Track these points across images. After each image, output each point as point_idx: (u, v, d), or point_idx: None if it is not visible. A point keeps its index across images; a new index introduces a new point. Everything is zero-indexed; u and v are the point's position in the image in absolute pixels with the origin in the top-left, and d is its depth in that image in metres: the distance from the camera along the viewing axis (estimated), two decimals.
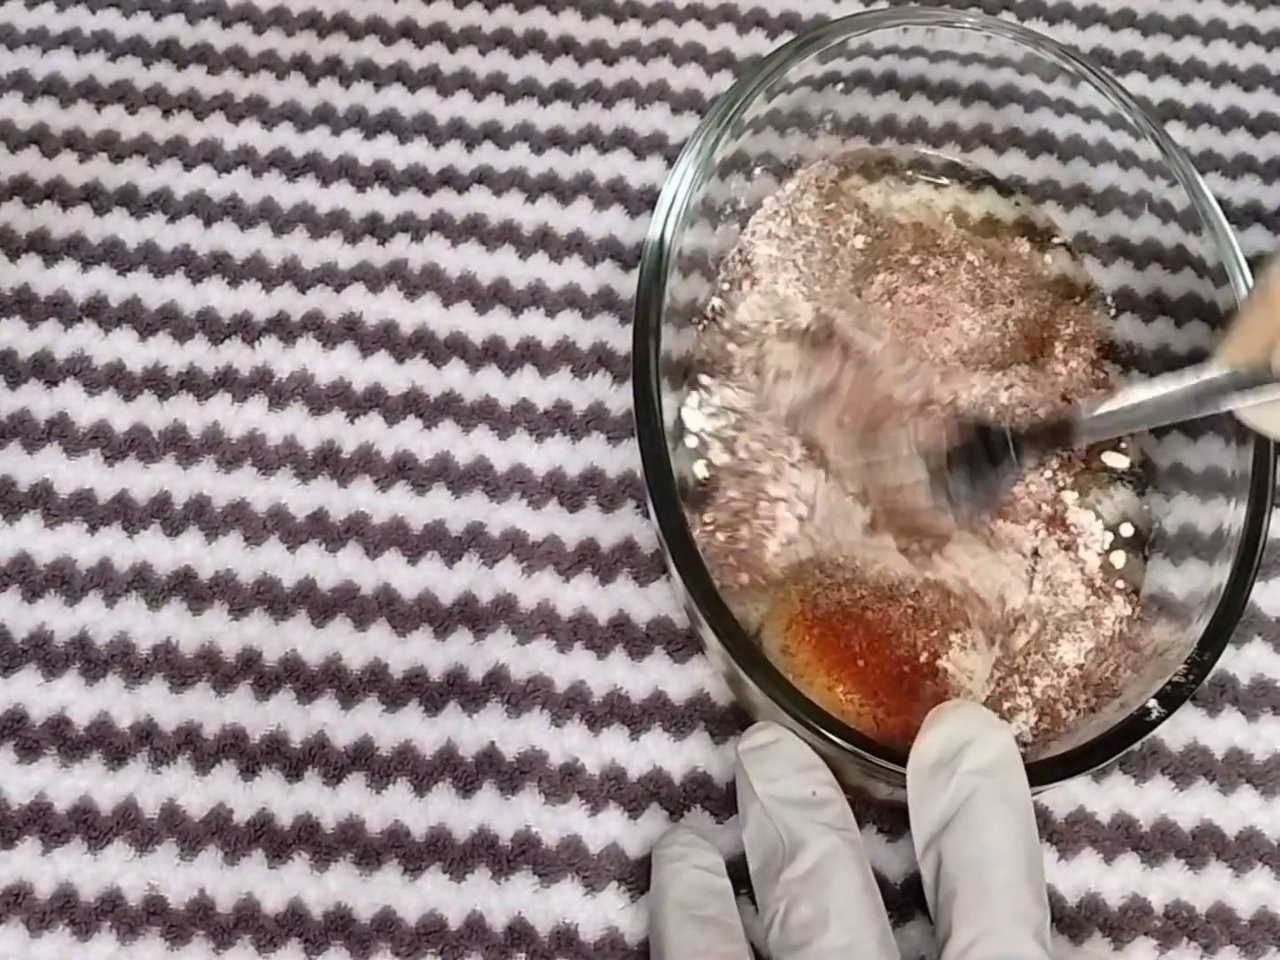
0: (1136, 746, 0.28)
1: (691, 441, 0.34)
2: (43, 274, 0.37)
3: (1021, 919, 0.25)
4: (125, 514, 0.34)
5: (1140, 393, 0.30)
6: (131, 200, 0.38)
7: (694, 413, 0.34)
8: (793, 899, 0.26)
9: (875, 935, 0.26)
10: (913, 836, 0.27)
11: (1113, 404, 0.30)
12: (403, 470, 0.35)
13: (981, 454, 0.31)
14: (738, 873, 0.29)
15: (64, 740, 0.32)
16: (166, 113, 0.39)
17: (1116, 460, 0.34)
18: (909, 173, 0.38)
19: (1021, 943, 0.25)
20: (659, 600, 0.34)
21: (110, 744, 0.32)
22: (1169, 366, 0.34)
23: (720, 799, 0.32)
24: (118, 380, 0.36)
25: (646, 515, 0.35)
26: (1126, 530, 0.34)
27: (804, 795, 0.28)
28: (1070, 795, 0.32)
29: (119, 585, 0.33)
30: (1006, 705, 0.31)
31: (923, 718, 0.28)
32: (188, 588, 0.33)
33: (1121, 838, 0.32)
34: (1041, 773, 0.27)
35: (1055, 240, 0.37)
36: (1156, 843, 0.32)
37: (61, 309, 0.36)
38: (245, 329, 0.36)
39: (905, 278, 0.35)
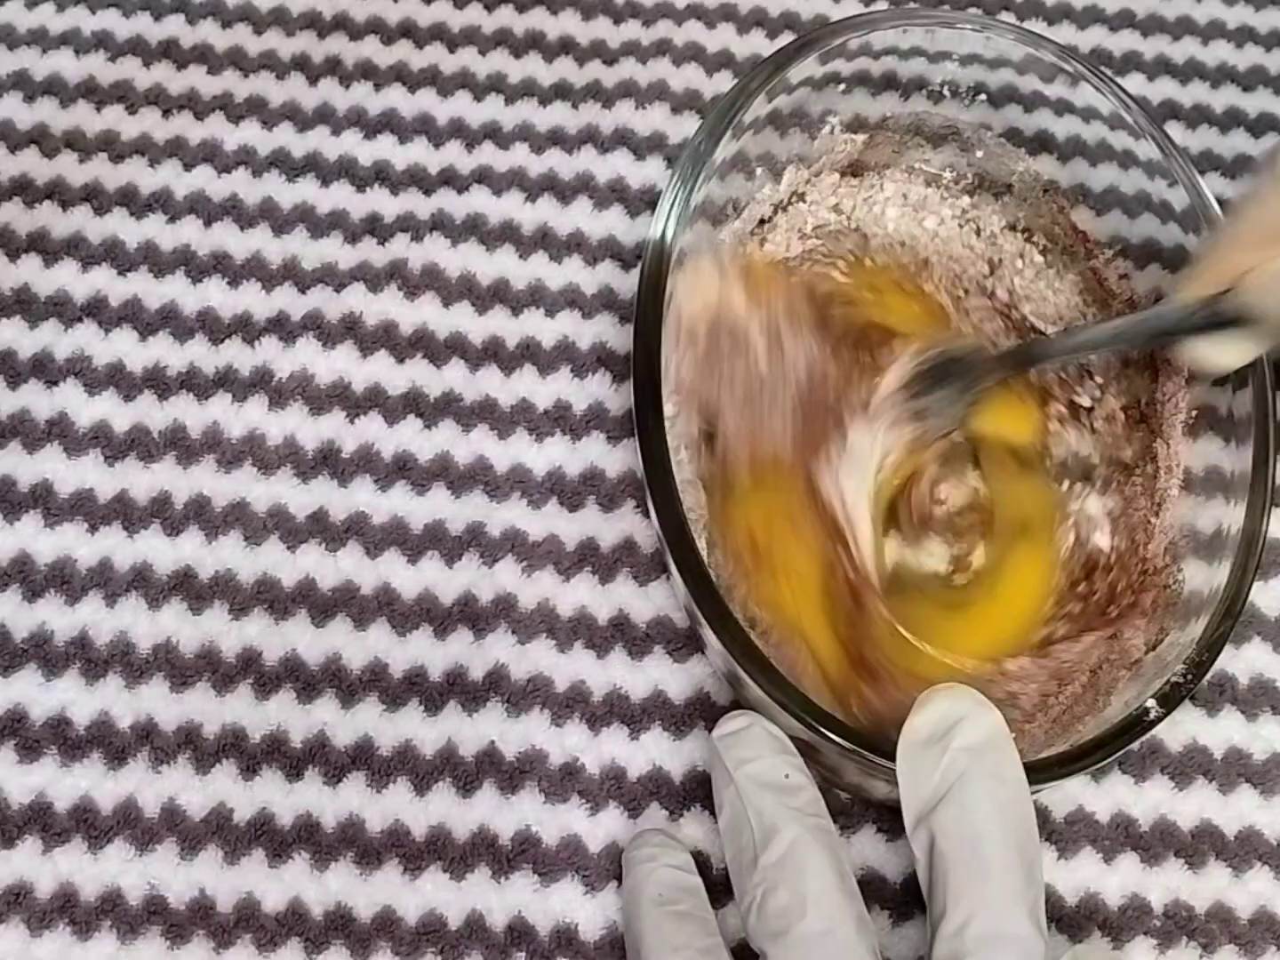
0: (1136, 746, 0.28)
1: None
2: (43, 274, 0.37)
3: (1015, 897, 0.25)
4: (125, 514, 0.34)
5: (1102, 325, 0.32)
6: (131, 200, 0.38)
7: None
8: (770, 885, 0.27)
9: (852, 919, 0.26)
10: (903, 813, 0.27)
11: (1074, 331, 0.32)
12: (403, 470, 0.35)
13: (951, 373, 0.33)
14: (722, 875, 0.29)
15: (64, 740, 0.32)
16: (166, 113, 0.39)
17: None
18: (907, 176, 0.38)
19: (1016, 920, 0.25)
20: (659, 600, 0.34)
21: (110, 744, 0.32)
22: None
23: None
24: (118, 380, 0.36)
25: (646, 515, 0.35)
26: None
27: (777, 778, 0.28)
28: (1069, 795, 0.32)
29: (119, 585, 0.33)
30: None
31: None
32: (188, 588, 0.34)
33: (1121, 837, 0.32)
34: (1041, 772, 0.27)
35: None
36: (1156, 842, 0.32)
37: (61, 309, 0.36)
38: (245, 329, 0.36)
39: None
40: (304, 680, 0.33)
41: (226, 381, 0.36)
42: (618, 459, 0.35)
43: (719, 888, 0.30)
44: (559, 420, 0.36)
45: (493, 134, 0.39)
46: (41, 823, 0.31)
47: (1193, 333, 0.30)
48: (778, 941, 0.26)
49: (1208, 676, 0.28)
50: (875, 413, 0.32)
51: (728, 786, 0.28)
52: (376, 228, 0.38)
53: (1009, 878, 0.25)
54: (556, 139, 0.39)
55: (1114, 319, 0.33)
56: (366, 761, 0.32)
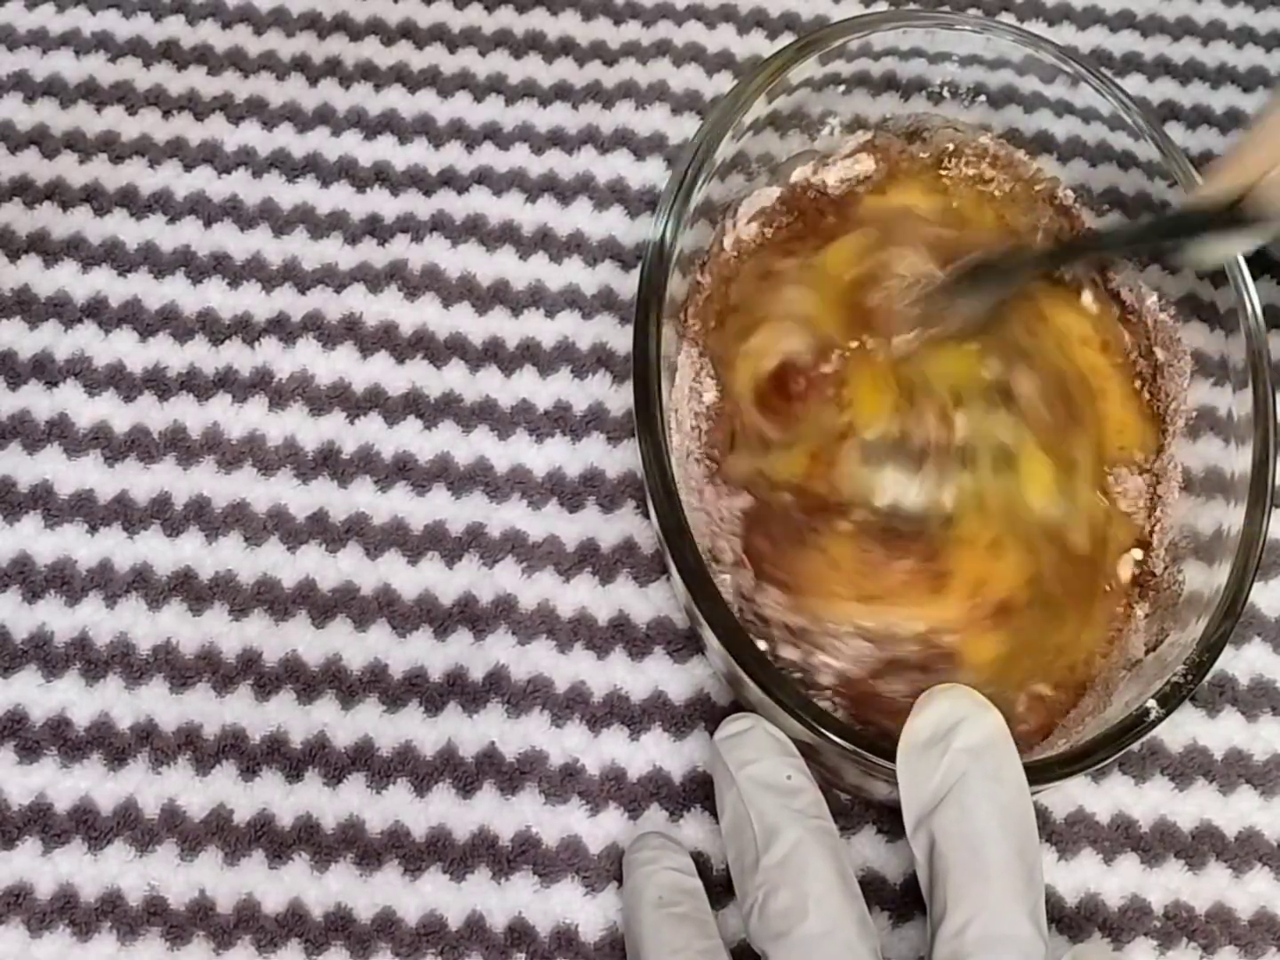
0: (1136, 747, 0.28)
1: None
2: (43, 275, 0.37)
3: (1015, 898, 0.25)
4: (125, 514, 0.34)
5: (1130, 224, 0.34)
6: (132, 201, 0.38)
7: None
8: (771, 887, 0.27)
9: (854, 920, 0.26)
10: (903, 816, 0.27)
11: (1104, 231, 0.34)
12: (403, 471, 0.35)
13: (984, 277, 0.33)
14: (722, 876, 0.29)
15: (64, 741, 0.32)
16: (166, 114, 0.39)
17: None
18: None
19: (1016, 922, 0.25)
20: (659, 600, 0.34)
21: (110, 744, 0.32)
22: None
23: None
24: (118, 381, 0.36)
25: (646, 515, 0.35)
26: None
27: (779, 780, 0.28)
28: (1070, 795, 0.32)
29: (119, 586, 0.33)
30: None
31: None
32: (188, 588, 0.33)
33: (1121, 838, 0.32)
34: (1041, 772, 0.27)
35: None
36: (1156, 843, 0.32)
37: (62, 310, 0.36)
38: (245, 329, 0.36)
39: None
40: (304, 681, 0.33)
41: (226, 382, 0.36)
42: (618, 459, 0.35)
43: (719, 889, 0.30)
44: (559, 421, 0.36)
45: (493, 135, 0.39)
46: (41, 824, 0.31)
47: (1210, 230, 0.31)
48: (779, 943, 0.26)
49: (1208, 677, 0.28)
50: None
51: (730, 789, 0.28)
52: (376, 228, 0.38)
53: (1009, 879, 0.25)
54: (556, 140, 0.39)
55: (1141, 220, 0.34)
56: (366, 762, 0.32)
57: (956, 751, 0.26)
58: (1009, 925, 0.25)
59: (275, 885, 0.31)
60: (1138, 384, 0.34)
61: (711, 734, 0.32)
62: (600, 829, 0.32)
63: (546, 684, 0.33)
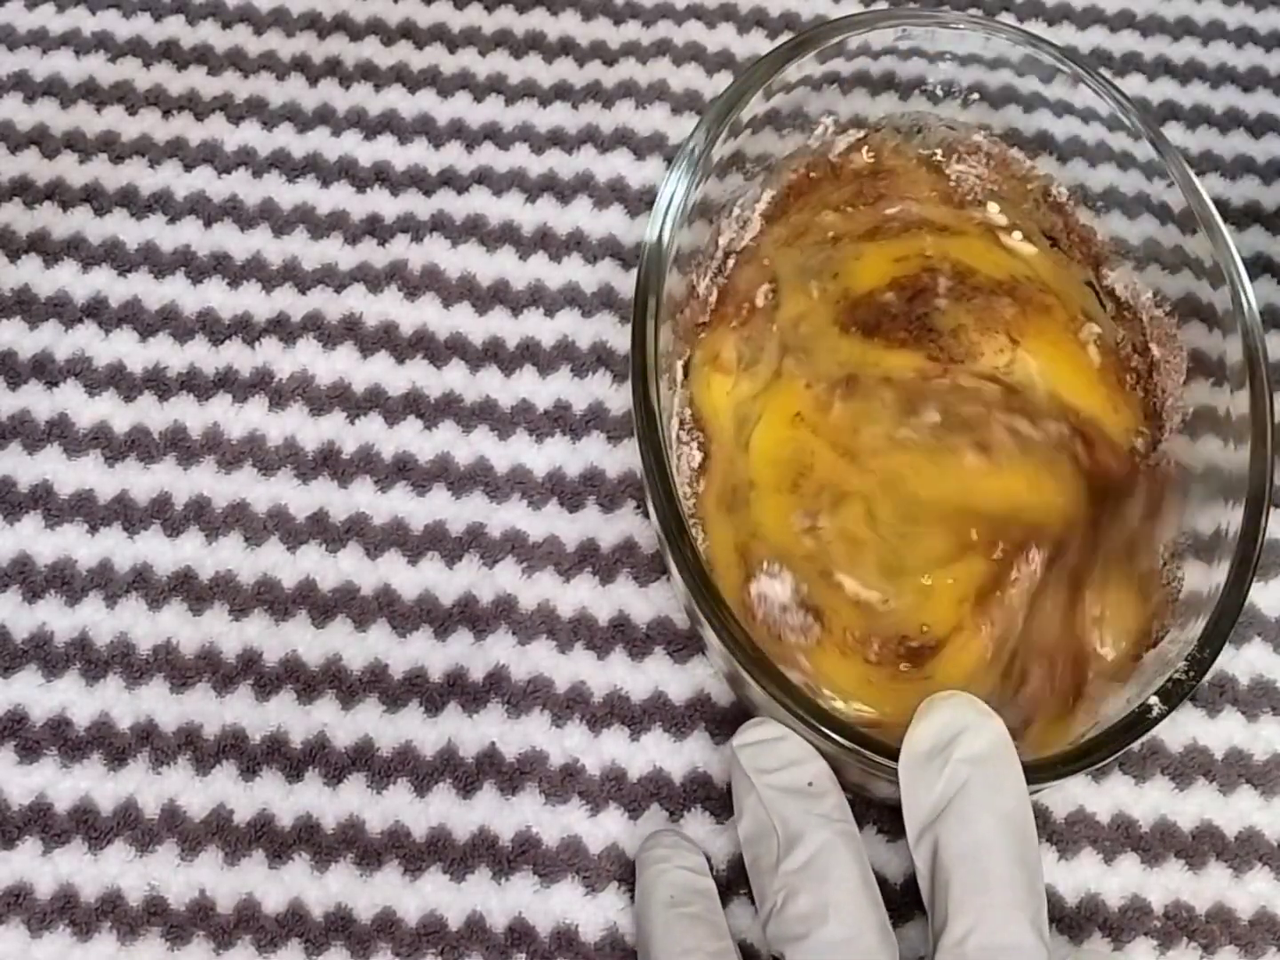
0: (1136, 746, 0.28)
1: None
2: (43, 275, 0.37)
3: (1017, 907, 0.25)
4: (125, 514, 0.34)
5: None
6: (132, 201, 0.38)
7: None
8: (791, 891, 0.26)
9: (875, 927, 0.26)
10: (905, 825, 0.27)
11: None
12: (403, 471, 0.35)
13: None
14: (736, 874, 0.29)
15: (64, 741, 0.32)
16: (166, 113, 0.39)
17: None
18: None
19: (1018, 931, 0.25)
20: (659, 600, 0.34)
21: (110, 744, 0.32)
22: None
23: (721, 799, 0.32)
24: (118, 381, 0.36)
25: (646, 515, 0.35)
26: None
27: (801, 786, 0.28)
28: (1070, 795, 0.32)
29: (119, 586, 0.33)
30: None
31: None
32: (188, 588, 0.34)
33: (1121, 838, 0.32)
34: (1041, 771, 0.27)
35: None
36: (1156, 843, 0.32)
37: (62, 310, 0.36)
38: (245, 329, 0.36)
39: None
40: (304, 681, 0.33)
41: (227, 382, 0.36)
42: (618, 459, 0.35)
43: (720, 887, 0.30)
44: (559, 420, 0.36)
45: (493, 135, 0.39)
46: (41, 824, 0.31)
47: None
48: (797, 946, 0.26)
49: (1208, 675, 0.28)
50: None
51: (749, 794, 0.28)
52: (377, 228, 0.38)
53: (1011, 889, 0.25)
54: (556, 139, 0.39)
55: None
56: (367, 762, 0.32)
57: (957, 762, 0.26)
58: (1011, 934, 0.25)
59: (275, 885, 0.31)
60: (1132, 380, 0.34)
61: (711, 734, 0.32)
62: (600, 829, 0.32)
63: (547, 684, 0.33)
